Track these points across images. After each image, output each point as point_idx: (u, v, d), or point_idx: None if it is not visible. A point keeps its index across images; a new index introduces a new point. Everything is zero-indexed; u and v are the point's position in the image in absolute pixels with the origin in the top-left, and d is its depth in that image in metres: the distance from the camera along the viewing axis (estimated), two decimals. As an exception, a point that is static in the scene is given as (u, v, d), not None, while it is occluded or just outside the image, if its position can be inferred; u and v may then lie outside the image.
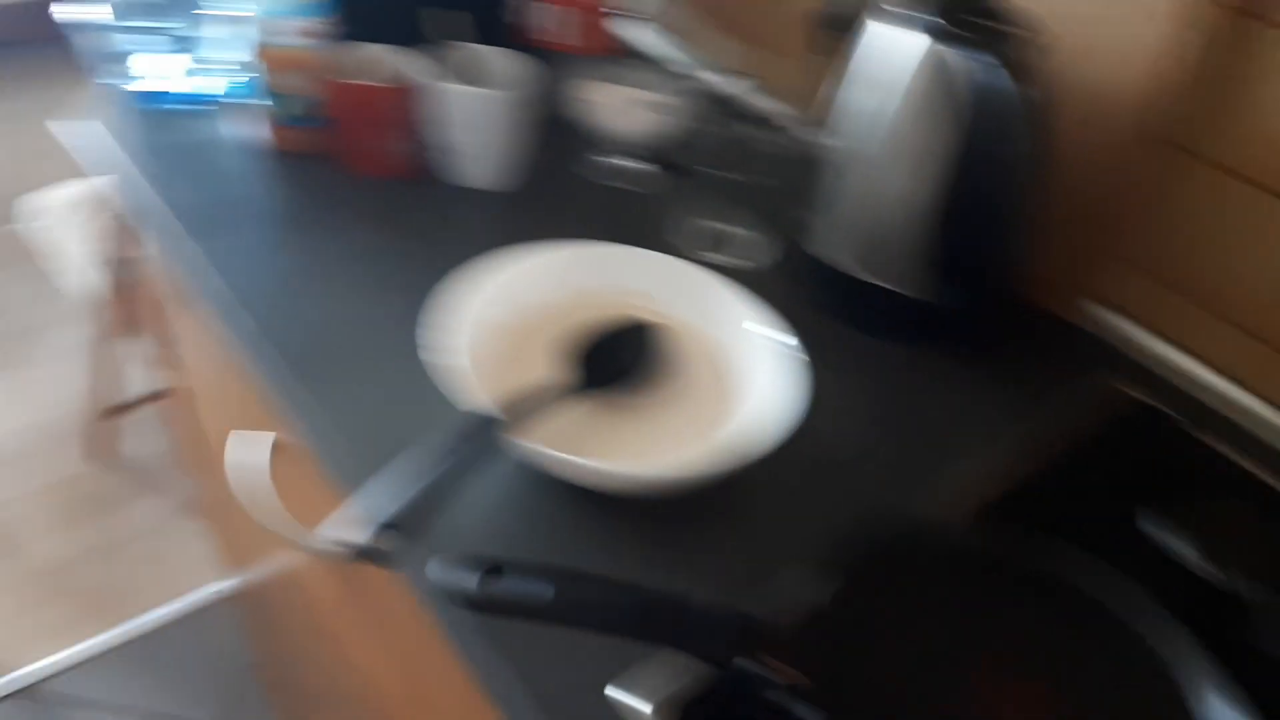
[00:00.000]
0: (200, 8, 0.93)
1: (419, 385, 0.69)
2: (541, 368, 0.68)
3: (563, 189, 0.94)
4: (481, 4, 0.94)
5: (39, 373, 2.08)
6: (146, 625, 1.63)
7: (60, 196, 1.71)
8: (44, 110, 2.82)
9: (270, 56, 0.88)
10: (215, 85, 0.96)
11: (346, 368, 0.71)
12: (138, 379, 1.84)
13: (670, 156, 0.95)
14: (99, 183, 1.68)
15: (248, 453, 0.82)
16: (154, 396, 1.88)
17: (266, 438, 0.81)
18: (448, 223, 0.88)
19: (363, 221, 0.86)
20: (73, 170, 1.73)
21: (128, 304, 1.42)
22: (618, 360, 0.69)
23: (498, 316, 0.71)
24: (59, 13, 0.94)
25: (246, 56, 0.90)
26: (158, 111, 0.97)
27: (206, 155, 0.93)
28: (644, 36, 1.06)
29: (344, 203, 0.88)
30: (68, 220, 1.63)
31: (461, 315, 0.68)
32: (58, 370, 2.06)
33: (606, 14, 1.02)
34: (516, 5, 0.98)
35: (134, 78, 0.96)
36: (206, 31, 0.94)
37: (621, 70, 0.96)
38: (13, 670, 1.54)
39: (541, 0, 0.98)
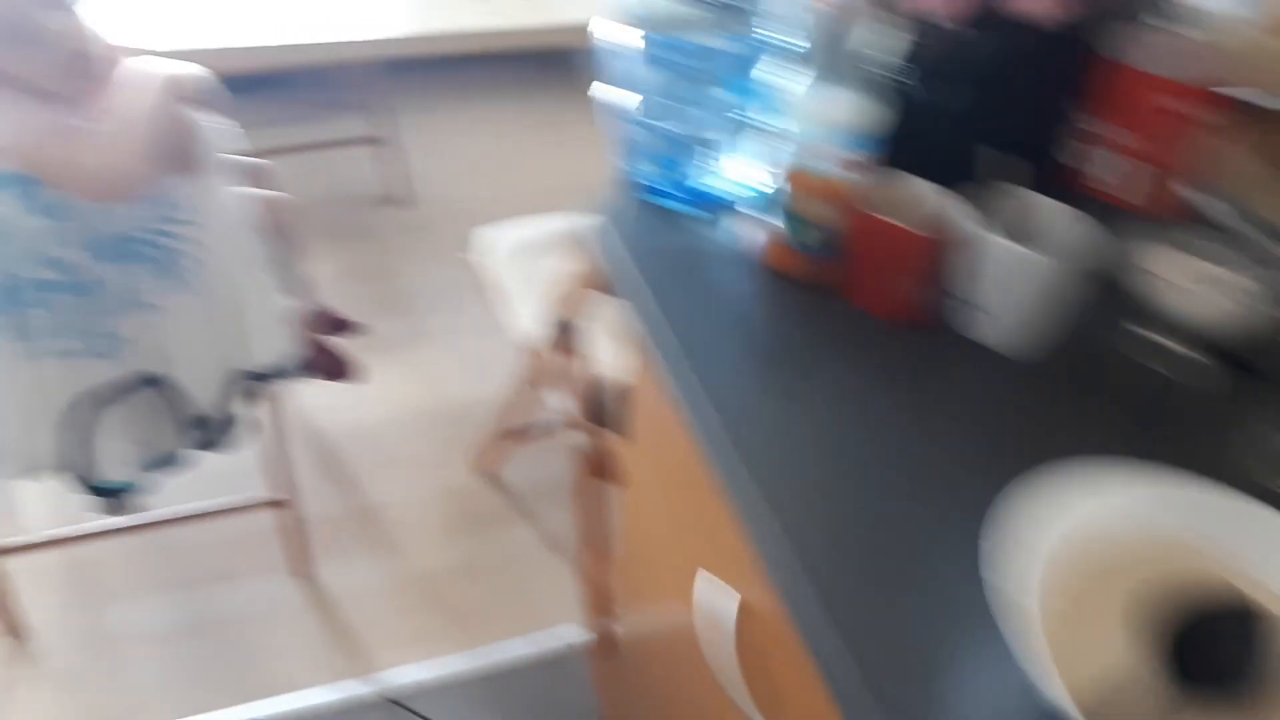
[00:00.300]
0: (736, 115, 0.88)
1: (955, 614, 0.59)
2: (1114, 640, 0.56)
3: (1094, 362, 0.81)
4: (1041, 149, 0.83)
5: (450, 375, 2.21)
6: (501, 659, 1.66)
7: (519, 234, 1.76)
8: (536, 135, 3.06)
9: (801, 180, 0.82)
10: (728, 192, 0.92)
11: (853, 558, 0.63)
12: (543, 411, 1.89)
13: (1238, 351, 0.79)
14: (562, 231, 1.72)
15: (713, 600, 0.76)
16: (554, 433, 1.94)
17: (731, 597, 0.75)
18: (967, 392, 0.77)
19: (868, 374, 0.78)
20: (542, 205, 1.81)
21: (562, 360, 1.44)
22: (1214, 651, 0.55)
23: (1061, 556, 0.59)
24: (599, 91, 0.93)
25: (771, 173, 0.84)
26: (661, 206, 0.94)
27: (704, 262, 0.89)
28: (1221, 207, 0.90)
29: (847, 346, 0.80)
30: (522, 261, 1.68)
31: (1029, 547, 0.57)
32: (469, 378, 2.18)
33: (1181, 175, 0.86)
34: (1078, 151, 0.86)
35: (651, 169, 0.94)
36: (735, 139, 0.90)
37: (1189, 239, 0.81)
38: (375, 672, 1.62)
39: (1108, 149, 0.85)
